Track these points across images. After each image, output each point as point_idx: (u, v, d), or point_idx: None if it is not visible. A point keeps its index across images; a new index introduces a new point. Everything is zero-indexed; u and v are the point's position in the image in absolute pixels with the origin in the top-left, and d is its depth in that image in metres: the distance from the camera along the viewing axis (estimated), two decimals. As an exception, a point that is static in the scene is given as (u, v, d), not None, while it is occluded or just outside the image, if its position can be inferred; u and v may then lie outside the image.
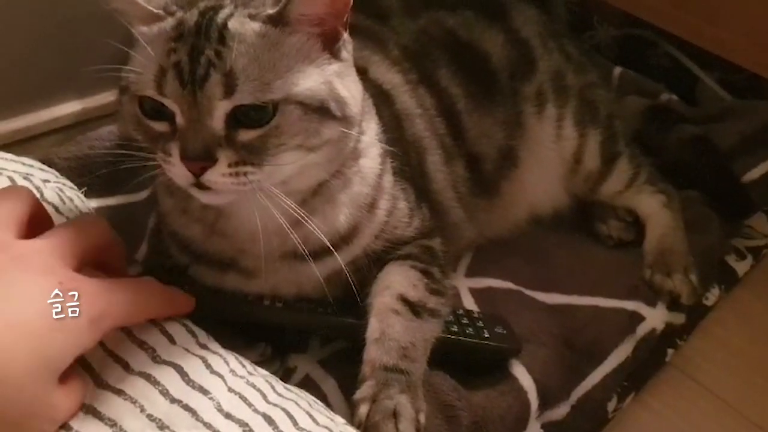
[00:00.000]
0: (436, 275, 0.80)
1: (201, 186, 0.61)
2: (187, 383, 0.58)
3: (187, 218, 0.75)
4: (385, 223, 0.78)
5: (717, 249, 1.09)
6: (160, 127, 0.63)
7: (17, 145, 1.08)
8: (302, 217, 0.66)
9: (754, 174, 1.16)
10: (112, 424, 0.54)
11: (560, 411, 0.85)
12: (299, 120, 0.62)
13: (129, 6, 0.63)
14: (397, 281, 0.76)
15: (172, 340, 0.62)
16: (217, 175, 0.60)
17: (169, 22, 0.62)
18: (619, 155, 1.07)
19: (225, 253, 0.74)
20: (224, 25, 0.60)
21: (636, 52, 1.46)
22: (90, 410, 0.54)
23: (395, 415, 0.66)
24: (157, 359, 0.59)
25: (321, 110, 0.63)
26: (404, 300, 0.74)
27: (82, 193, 0.88)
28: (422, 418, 0.68)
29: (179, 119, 0.61)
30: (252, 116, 0.61)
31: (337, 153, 0.68)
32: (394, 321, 0.72)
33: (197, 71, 0.59)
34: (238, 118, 0.60)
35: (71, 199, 0.81)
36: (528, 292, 0.94)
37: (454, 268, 0.96)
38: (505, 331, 0.81)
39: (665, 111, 1.27)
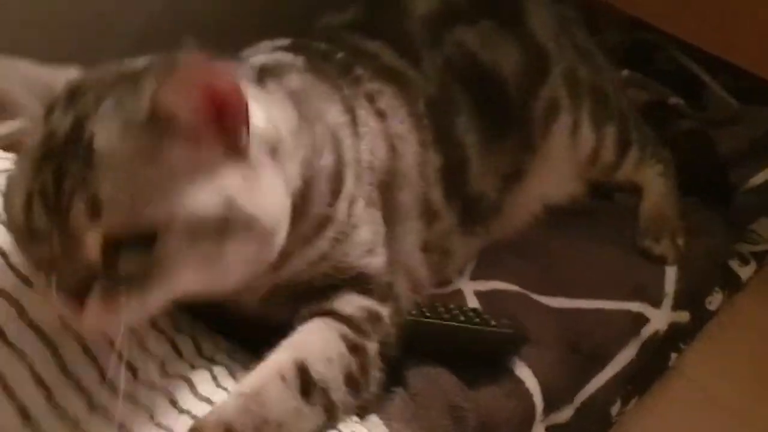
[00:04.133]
0: (369, 354, 0.67)
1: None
2: (195, 395, 0.60)
3: None
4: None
5: (721, 251, 1.10)
6: (39, 251, 0.53)
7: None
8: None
9: (760, 178, 1.17)
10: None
11: (564, 414, 0.86)
12: (188, 247, 0.52)
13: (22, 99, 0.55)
14: (311, 345, 0.64)
15: (179, 353, 0.65)
16: (95, 310, 0.51)
17: (41, 133, 0.53)
18: (631, 144, 1.08)
19: None
20: (90, 141, 0.51)
21: (643, 57, 1.46)
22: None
23: None
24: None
25: (218, 230, 0.54)
26: (302, 370, 0.61)
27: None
28: None
29: (53, 248, 0.52)
30: (131, 243, 0.51)
31: (260, 254, 0.60)
32: (273, 386, 0.59)
33: (62, 198, 0.50)
34: (117, 245, 0.51)
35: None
36: (533, 296, 0.94)
37: (460, 272, 0.96)
38: (511, 323, 0.80)
39: (663, 106, 1.29)
